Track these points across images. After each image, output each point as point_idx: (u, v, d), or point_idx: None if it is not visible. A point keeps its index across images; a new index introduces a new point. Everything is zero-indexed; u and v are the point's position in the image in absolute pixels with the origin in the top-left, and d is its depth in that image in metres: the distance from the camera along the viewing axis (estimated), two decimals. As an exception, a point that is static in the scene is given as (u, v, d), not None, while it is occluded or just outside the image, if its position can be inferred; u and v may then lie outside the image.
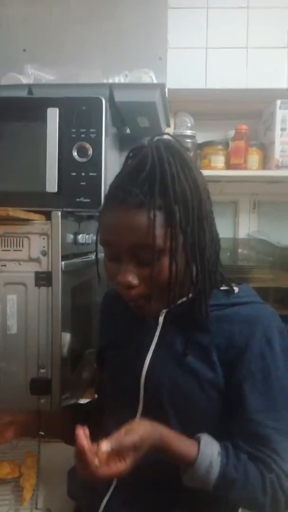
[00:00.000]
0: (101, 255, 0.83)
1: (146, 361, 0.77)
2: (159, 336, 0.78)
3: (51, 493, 0.85)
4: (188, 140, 1.74)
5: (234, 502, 0.75)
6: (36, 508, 0.80)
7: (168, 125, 1.55)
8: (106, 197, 0.75)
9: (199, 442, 0.69)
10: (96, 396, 1.33)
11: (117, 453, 0.63)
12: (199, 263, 0.72)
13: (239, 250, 1.98)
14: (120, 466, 0.62)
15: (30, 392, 1.09)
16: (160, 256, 0.69)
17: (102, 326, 0.96)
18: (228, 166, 1.73)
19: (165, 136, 0.79)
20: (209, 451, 0.68)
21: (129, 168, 0.72)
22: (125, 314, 0.79)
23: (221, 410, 0.74)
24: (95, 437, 0.84)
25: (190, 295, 0.75)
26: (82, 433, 0.62)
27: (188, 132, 1.77)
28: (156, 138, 0.77)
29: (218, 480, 0.67)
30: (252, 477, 0.69)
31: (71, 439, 0.90)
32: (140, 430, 0.65)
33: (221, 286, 0.79)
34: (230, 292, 0.79)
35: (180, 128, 1.80)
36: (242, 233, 2.02)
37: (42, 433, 0.86)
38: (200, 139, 1.80)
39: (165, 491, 0.73)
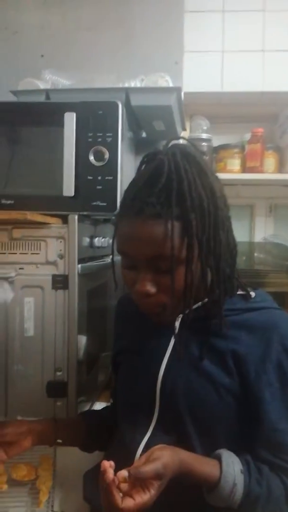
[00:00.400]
0: (117, 258, 0.83)
1: (162, 366, 0.76)
2: (174, 341, 0.78)
3: (67, 496, 0.85)
4: (203, 144, 1.74)
5: None
6: (52, 510, 0.81)
7: (184, 129, 1.55)
8: (122, 205, 0.75)
9: (220, 461, 0.68)
10: (111, 400, 1.34)
11: (140, 484, 0.62)
12: (214, 270, 0.72)
13: (255, 254, 1.97)
14: (145, 497, 0.61)
15: (46, 394, 1.10)
16: (177, 265, 0.69)
17: (117, 330, 0.96)
18: (244, 169, 1.72)
19: (181, 141, 0.79)
20: (231, 470, 0.67)
21: (145, 177, 0.71)
22: (139, 319, 0.79)
23: (237, 416, 0.73)
24: (112, 445, 0.84)
25: (206, 299, 0.75)
26: (109, 466, 0.60)
27: (204, 136, 1.77)
28: (172, 143, 0.77)
29: (243, 499, 0.67)
30: (276, 490, 0.68)
31: (87, 446, 0.91)
32: (163, 457, 0.64)
33: (238, 291, 0.78)
34: (246, 297, 0.78)
35: (196, 132, 1.80)
36: (258, 237, 2.01)
37: (60, 441, 0.86)
38: (216, 142, 1.80)
39: (182, 494, 0.72)
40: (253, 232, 2.01)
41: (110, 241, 1.49)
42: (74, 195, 1.11)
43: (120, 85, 1.28)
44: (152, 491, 0.61)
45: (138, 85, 1.30)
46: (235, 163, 1.71)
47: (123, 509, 0.59)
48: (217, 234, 0.71)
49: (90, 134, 1.12)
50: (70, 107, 1.11)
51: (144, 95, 1.22)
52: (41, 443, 0.85)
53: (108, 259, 1.53)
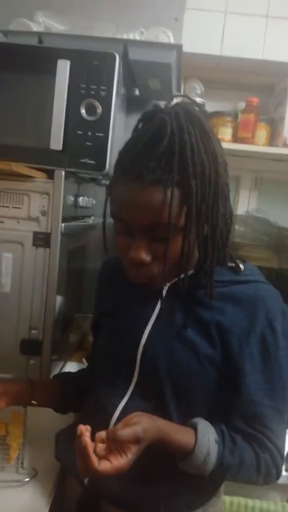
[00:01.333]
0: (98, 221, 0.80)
1: (145, 332, 0.75)
2: (160, 308, 0.76)
3: (37, 454, 0.85)
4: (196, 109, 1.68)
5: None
6: (22, 467, 0.80)
7: (178, 90, 1.49)
8: (118, 168, 0.70)
9: (195, 430, 0.69)
10: (84, 361, 1.33)
11: (117, 448, 0.61)
12: (210, 240, 0.70)
13: (236, 227, 1.95)
14: (121, 461, 0.60)
15: (20, 352, 1.08)
16: (174, 233, 0.66)
17: (100, 293, 0.94)
18: (235, 139, 1.68)
19: (182, 99, 0.74)
20: (206, 440, 0.67)
21: (145, 138, 0.66)
22: (124, 283, 0.77)
23: (216, 386, 0.73)
24: (87, 407, 0.84)
25: (193, 269, 0.73)
26: (85, 430, 0.59)
27: (198, 100, 1.70)
28: (174, 102, 0.72)
29: (215, 467, 0.68)
30: (248, 460, 0.70)
31: (61, 408, 0.91)
32: (143, 422, 0.63)
33: (227, 263, 0.77)
34: (235, 269, 0.77)
35: (189, 95, 1.74)
36: (240, 210, 1.99)
37: (35, 402, 0.85)
38: (209, 108, 1.74)
39: (151, 461, 0.73)
40: (236, 204, 1.98)
41: (94, 201, 1.47)
42: (62, 149, 1.05)
43: (119, 37, 1.21)
44: (129, 456, 0.61)
45: (137, 37, 1.22)
46: (227, 132, 1.67)
47: (100, 471, 0.59)
48: (216, 202, 0.68)
49: (83, 86, 1.06)
50: (64, 54, 1.04)
51: (143, 50, 1.15)
52: (15, 404, 0.84)
53: (90, 220, 1.50)
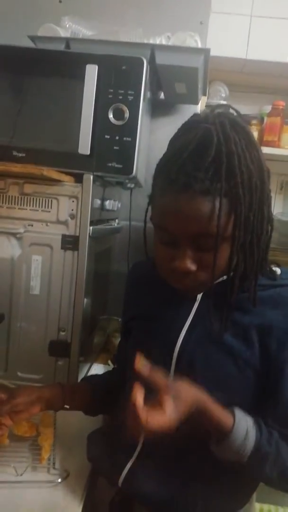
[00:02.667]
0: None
1: (180, 335, 0.75)
2: (195, 312, 0.76)
3: (67, 455, 0.86)
4: (221, 112, 1.68)
5: (262, 479, 0.75)
6: (53, 468, 0.81)
7: (204, 94, 1.49)
8: (162, 177, 0.69)
9: (233, 414, 0.68)
10: (111, 365, 1.34)
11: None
12: (255, 247, 0.69)
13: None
14: (165, 416, 0.61)
15: (48, 353, 1.10)
16: (221, 243, 0.66)
17: (130, 296, 0.94)
18: (261, 142, 1.67)
19: (224, 109, 0.73)
20: (244, 421, 0.68)
21: (191, 147, 0.65)
22: (157, 287, 0.78)
23: (254, 390, 0.73)
24: (118, 408, 0.84)
25: (232, 273, 0.73)
26: (139, 388, 0.61)
27: (222, 103, 1.71)
28: (217, 111, 0.71)
29: (253, 452, 0.67)
30: (284, 452, 0.69)
31: (91, 411, 0.92)
32: (187, 384, 0.66)
33: (267, 268, 0.77)
34: (272, 273, 0.77)
35: (214, 98, 1.74)
36: (265, 213, 1.98)
37: (67, 406, 0.86)
38: (234, 111, 1.74)
39: (188, 462, 0.73)
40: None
41: (119, 204, 1.48)
42: (90, 153, 1.06)
43: (145, 41, 1.21)
44: (169, 410, 0.61)
45: (164, 42, 1.23)
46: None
47: (148, 427, 0.59)
48: (261, 210, 0.68)
49: (111, 90, 1.06)
50: (92, 59, 1.05)
51: (170, 54, 1.15)
52: (48, 409, 0.85)
53: (115, 223, 1.51)
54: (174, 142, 0.73)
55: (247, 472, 0.71)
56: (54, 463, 0.82)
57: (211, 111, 0.72)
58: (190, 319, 0.76)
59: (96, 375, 1.03)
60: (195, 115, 0.74)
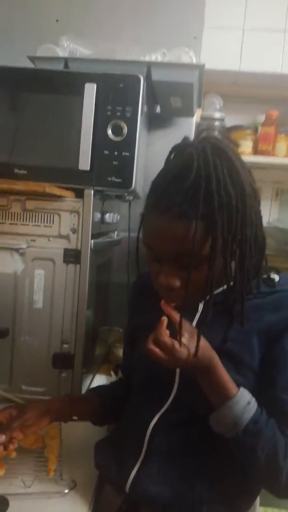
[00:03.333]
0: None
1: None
2: (197, 322, 0.79)
3: (74, 465, 0.88)
4: (216, 123, 1.72)
5: (250, 460, 0.74)
6: (61, 479, 0.83)
7: (199, 106, 1.52)
8: (149, 199, 0.74)
9: (238, 386, 0.72)
10: (113, 375, 1.36)
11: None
12: (238, 267, 0.72)
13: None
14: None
15: (52, 365, 1.11)
16: (200, 262, 0.69)
17: (135, 306, 0.97)
18: (256, 151, 1.71)
19: (207, 133, 0.77)
20: (247, 394, 0.71)
21: (173, 172, 0.70)
22: (159, 297, 0.80)
23: (254, 390, 0.75)
24: (126, 416, 0.87)
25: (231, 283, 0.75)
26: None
27: (217, 115, 1.74)
28: (202, 136, 0.75)
29: (250, 423, 0.69)
30: (278, 438, 0.70)
31: (99, 421, 0.94)
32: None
33: (263, 275, 0.79)
34: (271, 280, 0.79)
35: (208, 110, 1.77)
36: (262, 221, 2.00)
37: (76, 417, 0.88)
38: (228, 122, 1.77)
39: (193, 465, 0.76)
40: (257, 215, 2.00)
41: (118, 217, 1.50)
42: (89, 169, 1.09)
43: (142, 58, 1.25)
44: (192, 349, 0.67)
45: (160, 58, 1.26)
46: (247, 145, 1.70)
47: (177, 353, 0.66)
48: (244, 231, 0.70)
49: (109, 107, 1.09)
50: (91, 77, 1.08)
51: (166, 71, 1.18)
52: (57, 421, 0.88)
53: (114, 235, 1.53)
54: (165, 163, 0.77)
55: (238, 450, 0.72)
56: (61, 474, 0.84)
57: (197, 135, 0.76)
58: None
59: (102, 386, 1.05)
60: (184, 139, 0.78)
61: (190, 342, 0.68)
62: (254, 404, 0.71)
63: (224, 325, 0.76)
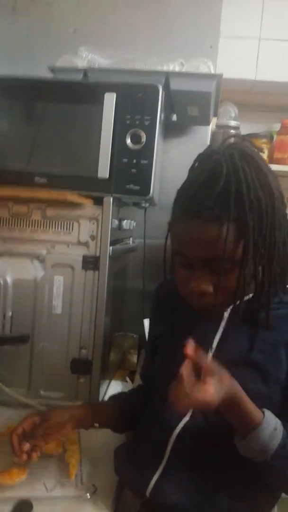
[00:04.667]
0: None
1: (209, 354, 0.77)
2: (223, 330, 0.79)
3: (94, 470, 0.89)
4: (231, 131, 1.73)
5: (282, 482, 0.75)
6: (81, 483, 0.84)
7: (215, 115, 1.53)
8: (178, 206, 0.74)
9: (263, 411, 0.71)
10: (129, 381, 1.37)
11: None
12: (267, 270, 0.73)
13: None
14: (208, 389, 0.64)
15: (70, 371, 1.13)
16: (232, 266, 0.70)
17: (156, 315, 0.97)
18: (271, 160, 1.71)
19: (235, 139, 0.77)
20: (272, 417, 0.70)
21: (202, 178, 0.71)
22: (183, 306, 0.79)
23: (279, 404, 0.75)
24: (146, 423, 0.87)
25: (252, 293, 0.76)
26: (188, 363, 0.66)
27: (232, 123, 1.75)
28: (227, 143, 0.76)
29: (279, 448, 0.68)
30: None
31: (119, 428, 0.95)
32: (231, 377, 0.69)
33: None
34: None
35: (224, 118, 1.79)
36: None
37: (97, 425, 0.89)
38: (244, 130, 1.78)
39: (215, 474, 0.76)
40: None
41: (134, 223, 1.52)
42: (108, 177, 1.11)
43: (159, 68, 1.26)
44: (215, 392, 0.64)
45: (177, 68, 1.28)
46: (262, 154, 1.70)
47: (192, 393, 0.63)
48: (273, 234, 0.71)
49: (128, 116, 1.11)
50: (110, 87, 1.10)
51: (184, 80, 1.20)
52: (79, 428, 0.89)
53: (130, 242, 1.55)
54: (190, 172, 0.78)
55: (267, 473, 0.72)
56: (81, 479, 0.85)
57: (222, 143, 0.77)
58: (218, 337, 0.78)
59: (123, 393, 1.05)
60: (209, 147, 0.81)
61: (217, 386, 0.66)
62: (280, 429, 0.70)
63: (249, 334, 0.76)
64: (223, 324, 0.79)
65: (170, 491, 0.76)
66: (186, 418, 0.78)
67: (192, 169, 0.78)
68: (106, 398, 1.25)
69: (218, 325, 0.79)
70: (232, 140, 0.77)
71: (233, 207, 0.67)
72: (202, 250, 0.70)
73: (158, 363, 0.89)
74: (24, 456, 0.79)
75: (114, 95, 1.09)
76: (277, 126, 1.73)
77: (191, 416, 0.78)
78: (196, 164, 0.77)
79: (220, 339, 0.78)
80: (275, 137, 1.72)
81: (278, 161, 1.70)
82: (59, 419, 0.83)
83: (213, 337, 0.79)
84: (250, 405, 0.69)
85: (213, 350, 0.78)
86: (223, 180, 0.68)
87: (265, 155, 1.72)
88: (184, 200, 0.72)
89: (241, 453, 0.71)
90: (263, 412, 0.70)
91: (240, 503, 0.75)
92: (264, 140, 1.72)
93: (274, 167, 1.70)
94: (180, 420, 0.78)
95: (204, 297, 0.72)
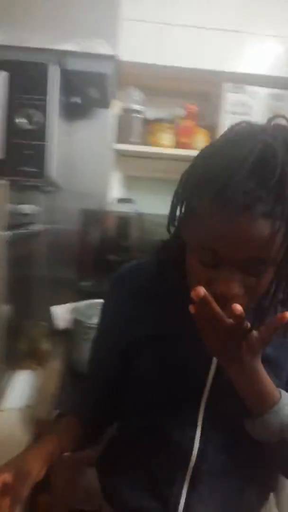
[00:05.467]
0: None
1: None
2: None
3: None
4: (134, 115, 1.73)
5: None
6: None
7: (115, 98, 1.53)
8: (206, 192, 0.59)
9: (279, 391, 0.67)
10: (52, 371, 1.32)
11: None
12: None
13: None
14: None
15: None
16: (268, 268, 0.62)
17: (127, 311, 0.81)
18: (177, 144, 1.74)
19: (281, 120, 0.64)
20: None
21: (249, 163, 0.57)
22: (168, 300, 0.72)
23: None
24: (141, 434, 0.79)
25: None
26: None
27: (136, 107, 1.75)
28: (275, 124, 0.63)
29: None
30: None
31: (83, 446, 0.86)
32: None
33: None
34: None
35: (126, 102, 1.78)
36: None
37: (66, 454, 0.81)
38: (150, 115, 1.80)
39: (242, 497, 0.75)
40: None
41: (38, 208, 1.48)
42: (2, 159, 1.07)
43: (56, 47, 1.23)
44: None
45: (74, 49, 1.25)
46: (167, 138, 1.73)
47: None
48: None
49: (20, 96, 1.07)
50: (2, 65, 1.05)
51: (80, 60, 1.18)
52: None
53: (35, 228, 1.51)
54: (216, 154, 0.62)
55: (284, 455, 0.69)
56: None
57: (268, 122, 0.64)
58: None
59: (82, 408, 0.90)
60: (246, 124, 0.64)
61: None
62: None
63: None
64: None
65: (200, 507, 0.73)
66: (198, 433, 0.73)
67: (219, 151, 0.62)
68: (13, 387, 1.22)
69: None
70: (279, 120, 0.64)
71: (287, 202, 0.57)
72: (248, 250, 0.58)
73: (147, 367, 0.77)
74: None
75: (7, 74, 1.05)
76: (181, 111, 1.77)
77: (203, 427, 0.73)
78: (228, 145, 0.62)
79: None
80: (179, 122, 1.75)
81: (183, 146, 1.74)
82: (38, 475, 0.70)
83: None
84: (269, 381, 0.65)
85: None
86: (279, 169, 0.56)
87: (169, 140, 1.75)
88: (223, 188, 0.57)
89: (254, 436, 0.67)
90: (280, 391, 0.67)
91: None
92: (168, 125, 1.75)
93: (179, 151, 1.75)
94: (194, 435, 0.73)
95: (229, 301, 0.60)
